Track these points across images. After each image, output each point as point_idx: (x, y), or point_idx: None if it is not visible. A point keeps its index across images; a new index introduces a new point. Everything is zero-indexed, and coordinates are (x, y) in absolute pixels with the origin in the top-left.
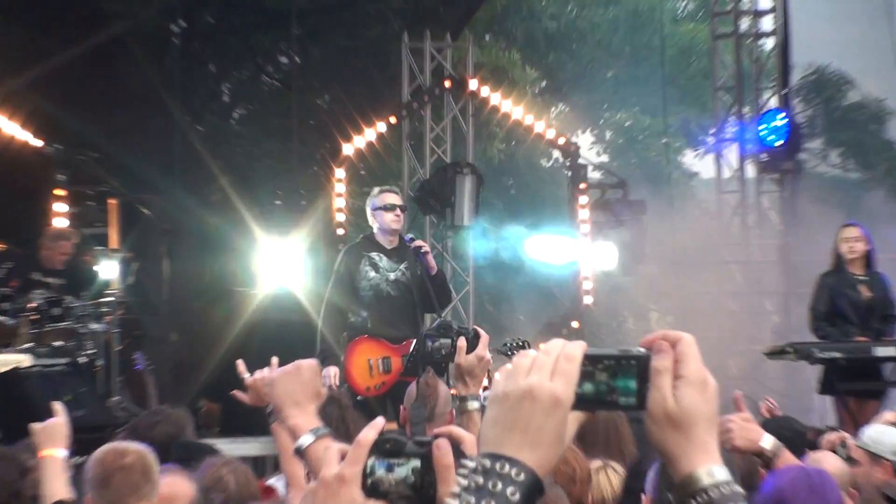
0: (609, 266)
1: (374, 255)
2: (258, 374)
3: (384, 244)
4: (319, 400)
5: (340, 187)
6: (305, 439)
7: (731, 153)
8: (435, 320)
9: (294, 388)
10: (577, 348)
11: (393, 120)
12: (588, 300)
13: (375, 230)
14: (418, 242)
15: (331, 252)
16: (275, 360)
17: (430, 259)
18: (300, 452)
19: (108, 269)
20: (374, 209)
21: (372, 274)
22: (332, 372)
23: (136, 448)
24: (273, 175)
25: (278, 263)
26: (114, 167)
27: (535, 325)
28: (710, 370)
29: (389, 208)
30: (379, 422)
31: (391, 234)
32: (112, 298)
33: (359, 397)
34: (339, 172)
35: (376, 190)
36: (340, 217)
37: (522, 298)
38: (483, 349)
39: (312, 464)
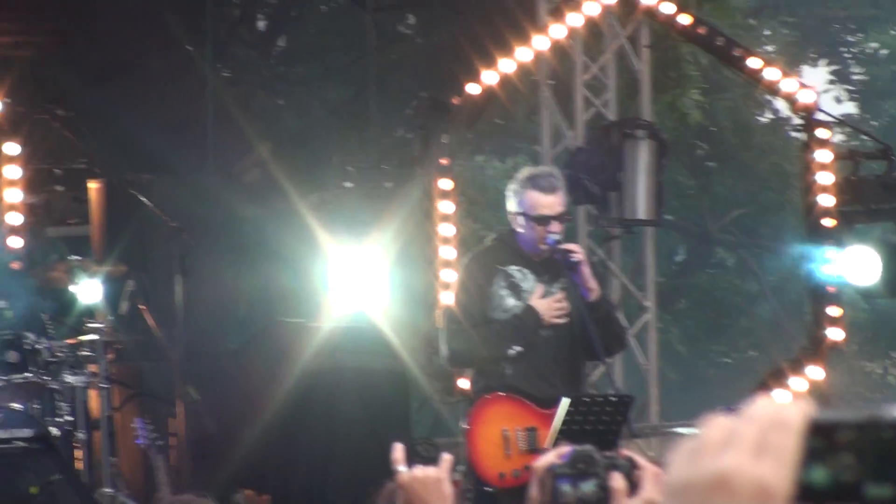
0: (868, 282)
1: (513, 269)
2: (419, 470)
3: (530, 254)
4: None
5: (445, 161)
6: None
7: None
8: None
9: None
10: (797, 412)
11: (525, 54)
12: (835, 335)
13: (518, 231)
14: (569, 248)
15: (429, 262)
16: (448, 458)
17: (588, 275)
18: None
19: (88, 291)
20: (520, 212)
21: (511, 302)
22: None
23: None
24: (341, 142)
25: (352, 280)
26: (95, 132)
27: (749, 376)
28: None
29: (541, 221)
30: None
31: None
32: (97, 337)
33: (487, 488)
34: (443, 138)
35: (524, 174)
36: (446, 207)
37: (733, 332)
38: (651, 488)
39: None
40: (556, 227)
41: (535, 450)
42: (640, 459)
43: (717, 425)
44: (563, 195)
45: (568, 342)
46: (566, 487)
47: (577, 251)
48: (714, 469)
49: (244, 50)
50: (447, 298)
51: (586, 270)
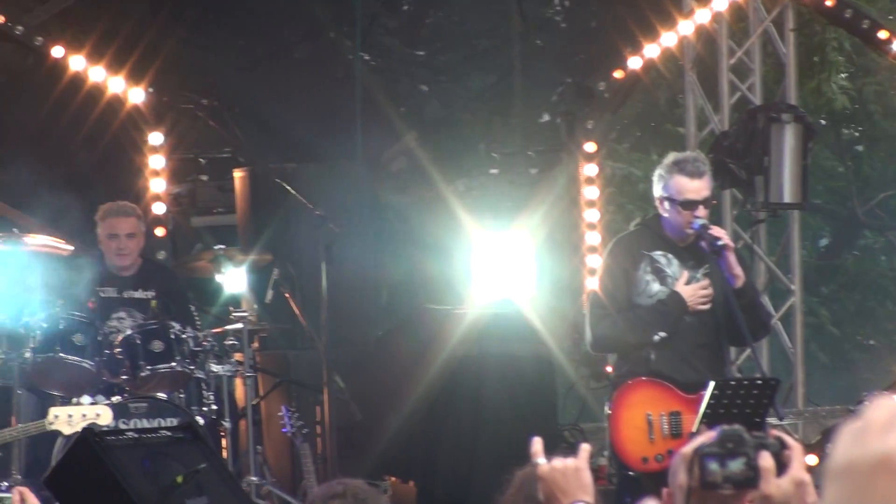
0: None
1: (658, 255)
2: (558, 462)
3: (675, 239)
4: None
5: (590, 146)
6: None
7: None
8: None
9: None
10: None
11: (671, 39)
12: None
13: (664, 216)
14: (716, 232)
15: (574, 248)
16: (586, 447)
17: (734, 261)
18: None
19: (233, 281)
20: (666, 197)
21: (655, 287)
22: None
23: None
24: (486, 128)
25: (497, 267)
26: (240, 121)
27: (894, 359)
28: None
29: (687, 206)
30: None
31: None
32: (242, 325)
33: (631, 472)
34: (589, 124)
35: (670, 159)
36: (592, 193)
37: (879, 315)
38: (799, 467)
39: None
40: (701, 211)
41: (678, 434)
42: (789, 439)
43: (881, 407)
44: (709, 180)
45: (712, 328)
46: (714, 466)
47: (724, 236)
48: (879, 450)
49: (387, 37)
50: (592, 284)
51: (732, 256)
